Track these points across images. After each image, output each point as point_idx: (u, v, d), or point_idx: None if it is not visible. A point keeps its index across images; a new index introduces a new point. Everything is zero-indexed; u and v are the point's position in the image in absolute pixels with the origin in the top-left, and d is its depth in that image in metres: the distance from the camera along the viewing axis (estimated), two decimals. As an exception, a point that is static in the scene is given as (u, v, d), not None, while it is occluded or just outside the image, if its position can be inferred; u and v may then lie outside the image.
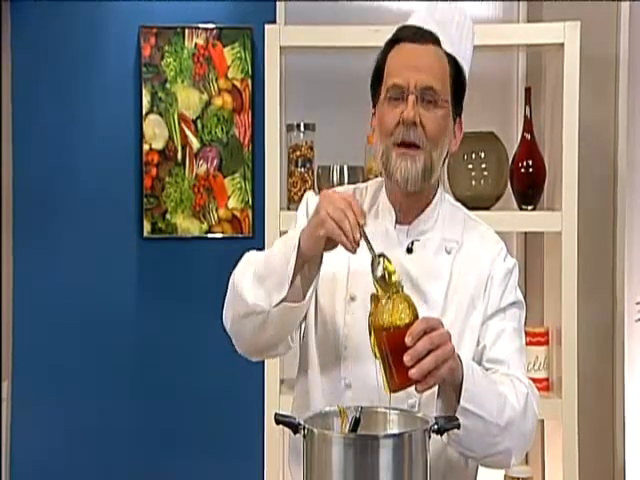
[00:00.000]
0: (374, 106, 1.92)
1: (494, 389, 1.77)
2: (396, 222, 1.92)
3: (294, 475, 1.97)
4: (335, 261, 1.88)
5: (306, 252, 1.76)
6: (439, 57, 1.88)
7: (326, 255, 1.85)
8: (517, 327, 1.92)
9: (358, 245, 1.69)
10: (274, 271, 1.78)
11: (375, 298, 1.67)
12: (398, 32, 1.92)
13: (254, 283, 1.81)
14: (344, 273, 1.91)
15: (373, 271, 1.68)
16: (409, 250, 1.90)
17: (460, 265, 1.91)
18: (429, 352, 1.62)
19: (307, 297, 1.79)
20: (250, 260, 1.88)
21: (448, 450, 1.84)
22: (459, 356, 1.70)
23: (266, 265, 1.81)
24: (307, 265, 1.79)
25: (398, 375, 1.63)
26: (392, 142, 1.84)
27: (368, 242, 1.70)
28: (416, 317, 1.65)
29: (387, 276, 1.67)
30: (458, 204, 2.03)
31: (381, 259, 1.68)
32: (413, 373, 1.61)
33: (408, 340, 1.61)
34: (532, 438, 1.87)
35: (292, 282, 1.77)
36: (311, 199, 2.00)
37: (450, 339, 1.67)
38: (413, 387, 1.66)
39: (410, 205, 1.92)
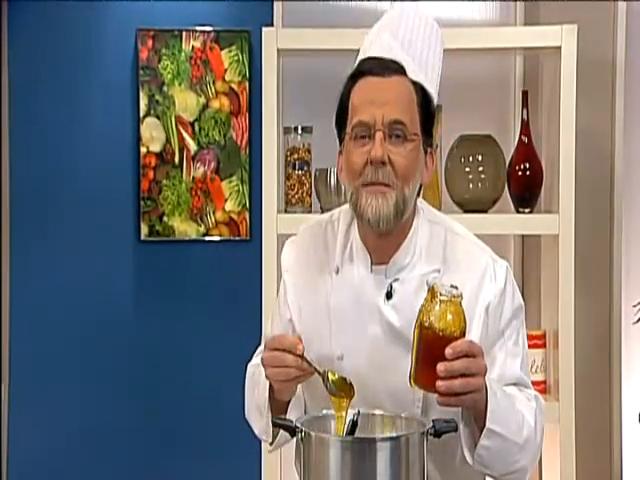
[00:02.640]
0: (341, 143, 1.84)
1: (513, 407, 1.75)
2: (372, 263, 1.84)
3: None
4: (315, 320, 1.87)
5: (284, 398, 1.81)
6: (405, 88, 1.79)
7: (305, 313, 1.88)
8: (516, 338, 1.85)
9: (312, 371, 1.70)
10: (262, 414, 1.84)
11: (432, 292, 1.64)
12: (360, 65, 1.84)
13: (255, 415, 1.90)
14: (327, 332, 1.85)
15: (327, 387, 1.72)
16: (388, 295, 1.82)
17: None
18: (462, 375, 1.60)
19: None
20: (250, 382, 1.94)
21: (457, 461, 1.84)
22: None
23: (259, 402, 1.86)
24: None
25: (425, 376, 1.62)
26: (361, 183, 1.76)
27: (311, 365, 1.70)
28: (462, 333, 1.62)
29: (338, 385, 1.72)
30: (437, 216, 1.93)
31: (328, 374, 1.71)
32: (440, 386, 1.59)
33: (448, 353, 1.59)
34: (540, 453, 1.87)
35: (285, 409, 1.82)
36: (286, 251, 1.99)
37: (485, 374, 1.64)
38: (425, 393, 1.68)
39: (384, 245, 1.83)
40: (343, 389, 1.72)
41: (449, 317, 1.62)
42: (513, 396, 1.79)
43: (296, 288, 1.93)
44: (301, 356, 1.69)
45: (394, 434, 1.69)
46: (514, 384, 1.83)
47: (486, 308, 1.81)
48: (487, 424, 1.68)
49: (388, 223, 1.76)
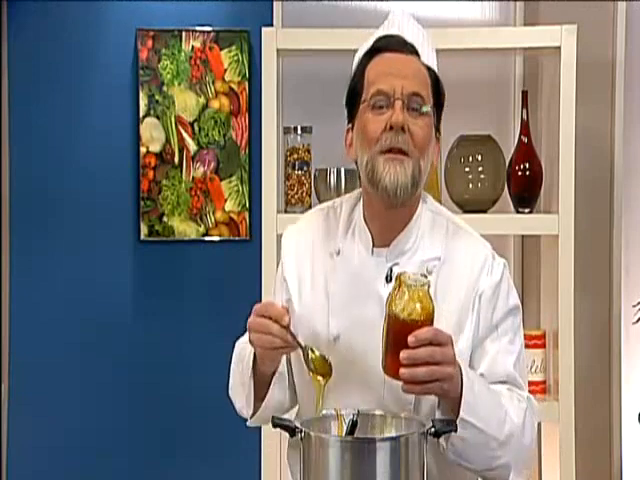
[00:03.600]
0: (350, 121, 1.85)
1: (495, 401, 1.75)
2: (373, 245, 1.85)
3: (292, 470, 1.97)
4: (314, 300, 1.87)
5: (267, 371, 1.82)
6: (421, 68, 1.82)
7: (305, 294, 1.88)
8: (512, 337, 1.85)
9: (295, 345, 1.72)
10: (245, 384, 1.85)
11: (398, 280, 1.64)
12: (377, 42, 1.85)
13: (238, 390, 1.90)
14: (324, 312, 1.85)
15: (306, 363, 1.74)
16: (387, 278, 1.82)
17: (443, 284, 1.82)
18: (427, 363, 1.59)
19: (266, 399, 1.84)
20: (237, 358, 1.94)
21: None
22: (460, 367, 1.67)
23: (243, 374, 1.87)
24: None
25: (393, 364, 1.62)
26: (378, 150, 1.76)
27: (295, 339, 1.72)
28: (427, 320, 1.62)
29: (317, 363, 1.73)
30: (440, 209, 1.94)
31: (309, 350, 1.74)
32: (403, 373, 1.59)
33: (411, 341, 1.58)
34: (531, 454, 1.85)
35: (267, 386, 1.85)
36: (287, 235, 2.00)
37: (454, 362, 1.64)
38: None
39: (389, 224, 1.84)
40: (322, 368, 1.74)
41: (414, 305, 1.61)
42: (497, 392, 1.78)
43: (296, 270, 1.93)
44: (286, 327, 1.70)
45: (394, 434, 1.69)
46: (505, 382, 1.82)
47: (479, 297, 1.82)
48: (460, 414, 1.67)
49: (405, 192, 1.76)
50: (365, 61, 1.84)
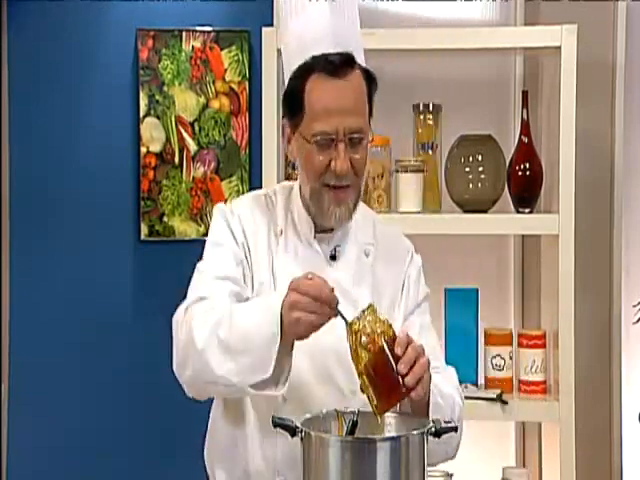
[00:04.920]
0: (287, 120, 1.93)
1: (443, 392, 1.82)
2: (315, 231, 1.93)
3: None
4: (259, 269, 1.91)
5: (288, 339, 1.72)
6: (358, 86, 1.85)
7: (255, 265, 1.91)
8: (430, 318, 2.02)
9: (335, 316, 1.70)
10: (249, 350, 1.73)
11: (350, 326, 1.67)
12: (314, 62, 1.85)
13: (223, 354, 1.79)
14: (269, 281, 1.91)
15: (348, 336, 1.69)
16: (332, 257, 1.92)
17: (378, 267, 1.96)
18: (417, 358, 1.65)
19: (285, 387, 1.74)
20: (209, 317, 1.88)
21: None
22: None
23: (237, 338, 1.76)
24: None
25: (389, 393, 1.64)
26: (322, 183, 1.84)
27: (341, 315, 1.68)
28: (393, 329, 1.68)
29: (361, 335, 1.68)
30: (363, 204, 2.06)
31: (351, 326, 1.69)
32: (409, 380, 1.63)
33: (398, 350, 1.64)
34: None
35: None
36: (223, 207, 2.01)
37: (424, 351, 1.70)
38: (399, 404, 1.69)
39: None
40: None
41: (378, 327, 1.66)
42: (441, 381, 1.84)
43: (246, 244, 1.94)
44: (335, 308, 1.68)
45: (394, 434, 1.69)
46: (431, 354, 1.84)
47: (408, 278, 1.98)
48: (431, 416, 1.72)
49: (348, 220, 1.90)
50: (303, 75, 1.87)
